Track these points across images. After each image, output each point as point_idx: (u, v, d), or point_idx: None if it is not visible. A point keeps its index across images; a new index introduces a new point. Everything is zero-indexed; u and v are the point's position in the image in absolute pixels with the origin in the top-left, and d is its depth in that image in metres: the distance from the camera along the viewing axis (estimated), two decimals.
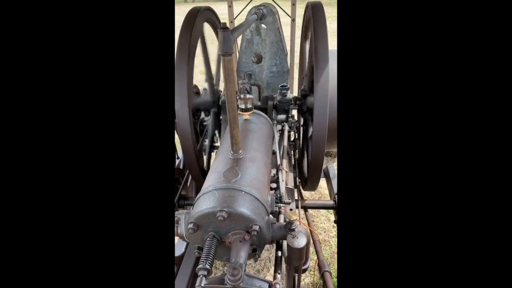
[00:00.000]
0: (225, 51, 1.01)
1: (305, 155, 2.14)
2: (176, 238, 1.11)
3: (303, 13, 2.23)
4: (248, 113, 1.60)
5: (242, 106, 1.50)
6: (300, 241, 0.97)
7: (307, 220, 1.81)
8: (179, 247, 2.05)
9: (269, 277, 2.35)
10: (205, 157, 2.04)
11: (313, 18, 1.67)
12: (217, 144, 2.22)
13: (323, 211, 2.87)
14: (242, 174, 1.14)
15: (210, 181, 1.14)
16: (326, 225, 2.78)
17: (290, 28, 2.82)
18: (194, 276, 1.46)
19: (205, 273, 0.90)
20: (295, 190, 1.68)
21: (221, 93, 2.09)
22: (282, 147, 1.69)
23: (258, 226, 0.98)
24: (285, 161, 1.57)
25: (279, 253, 1.12)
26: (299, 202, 1.72)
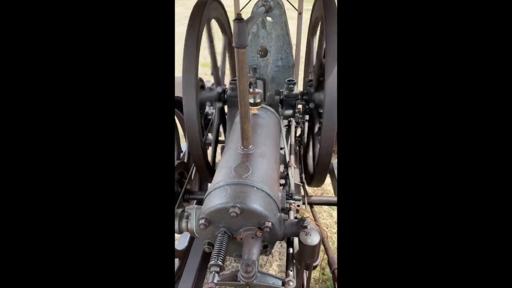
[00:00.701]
0: (240, 43, 0.98)
1: (311, 151, 2.12)
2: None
3: (308, 6, 2.19)
4: (257, 107, 1.58)
5: (251, 101, 1.48)
6: (314, 239, 0.95)
7: (314, 216, 1.81)
8: (182, 240, 2.05)
9: (272, 271, 2.36)
10: (210, 151, 2.02)
11: (325, 14, 1.64)
12: (221, 138, 2.20)
13: (325, 207, 2.87)
14: (253, 169, 1.13)
15: (221, 176, 1.12)
16: (328, 221, 2.79)
17: (297, 21, 2.77)
18: (200, 270, 1.45)
19: (218, 269, 0.89)
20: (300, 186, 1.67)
21: (227, 87, 2.06)
22: (289, 143, 1.67)
23: (270, 223, 0.97)
24: (293, 157, 1.56)
25: (291, 250, 1.11)
26: (306, 198, 1.71)
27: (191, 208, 1.09)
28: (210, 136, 2.10)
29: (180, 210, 1.12)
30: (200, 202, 1.92)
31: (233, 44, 0.99)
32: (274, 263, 2.40)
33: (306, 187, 2.01)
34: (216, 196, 1.02)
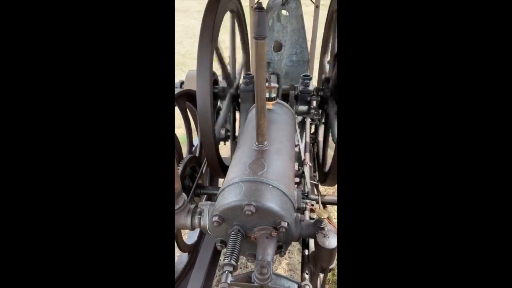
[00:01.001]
0: (260, 34, 0.93)
1: (326, 149, 2.06)
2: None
3: (324, 1, 2.10)
4: (272, 102, 1.53)
5: (266, 95, 1.43)
6: (332, 241, 0.91)
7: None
8: (192, 235, 2.04)
9: (281, 270, 2.33)
10: (226, 145, 2.00)
11: None
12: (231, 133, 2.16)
13: (336, 206, 2.81)
14: (268, 166, 1.09)
15: (235, 173, 1.08)
16: None
17: (314, 15, 2.69)
18: (210, 267, 1.43)
19: (231, 269, 0.86)
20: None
21: (240, 81, 2.02)
22: (304, 140, 1.63)
23: (286, 223, 0.93)
24: (308, 155, 1.51)
25: (306, 252, 1.07)
26: (319, 197, 1.66)
27: (204, 205, 1.06)
28: (221, 131, 2.07)
29: (193, 206, 1.09)
30: (210, 197, 1.91)
31: (252, 35, 0.95)
32: (284, 261, 2.37)
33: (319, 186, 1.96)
34: (230, 193, 0.99)
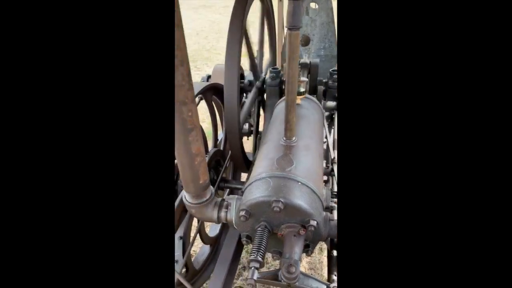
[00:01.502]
0: (294, 24, 0.89)
1: None
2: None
3: None
4: (301, 97, 1.49)
5: None
6: None
7: None
8: (214, 227, 2.05)
9: (301, 269, 2.30)
10: (249, 141, 1.98)
11: None
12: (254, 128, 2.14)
13: None
14: (297, 163, 1.05)
15: (262, 168, 1.06)
16: None
17: None
18: (233, 261, 1.43)
19: (257, 265, 0.84)
20: None
21: (267, 76, 1.99)
22: (333, 137, 1.57)
23: (315, 222, 0.90)
24: (337, 152, 1.45)
25: (334, 253, 1.03)
26: None
27: (231, 198, 1.05)
28: (246, 126, 2.06)
29: (219, 199, 1.08)
30: (233, 191, 1.91)
31: (286, 25, 0.91)
32: (304, 259, 2.34)
33: None
34: (258, 188, 0.97)
